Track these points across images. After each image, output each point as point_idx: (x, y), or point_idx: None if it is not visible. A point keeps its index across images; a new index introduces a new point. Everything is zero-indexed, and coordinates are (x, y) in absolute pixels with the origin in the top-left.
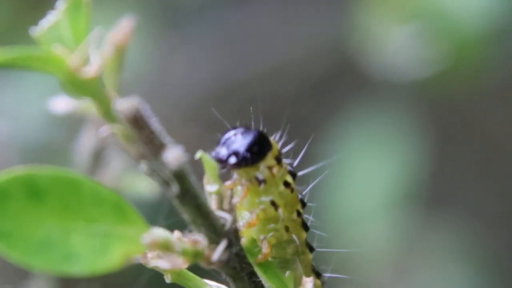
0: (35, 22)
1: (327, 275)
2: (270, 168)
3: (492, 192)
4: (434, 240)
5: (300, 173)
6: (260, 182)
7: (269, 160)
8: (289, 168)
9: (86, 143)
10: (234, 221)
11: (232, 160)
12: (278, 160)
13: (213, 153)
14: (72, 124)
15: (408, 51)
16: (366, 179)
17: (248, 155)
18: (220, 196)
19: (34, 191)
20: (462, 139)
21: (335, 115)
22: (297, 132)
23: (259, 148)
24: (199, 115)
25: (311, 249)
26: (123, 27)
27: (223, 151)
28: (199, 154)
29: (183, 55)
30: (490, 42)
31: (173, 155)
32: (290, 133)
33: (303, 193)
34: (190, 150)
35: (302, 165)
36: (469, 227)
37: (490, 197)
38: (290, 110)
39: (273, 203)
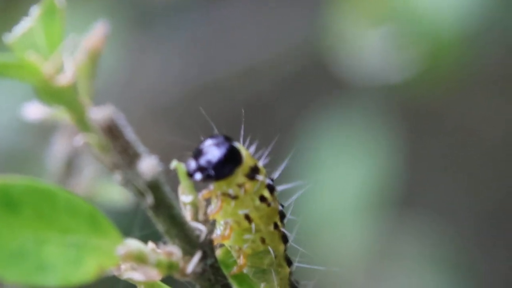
0: (6, 26)
1: None
2: (241, 184)
3: (466, 194)
4: (406, 243)
5: (279, 188)
6: (232, 197)
7: (239, 177)
8: (267, 182)
9: (58, 151)
10: (209, 232)
11: (198, 176)
12: (251, 176)
13: (185, 165)
14: (43, 131)
15: (381, 54)
16: (338, 182)
17: (213, 172)
18: (195, 207)
19: (7, 202)
20: (435, 141)
21: (308, 116)
22: (269, 134)
23: (225, 165)
24: (171, 116)
25: (290, 262)
26: (97, 32)
27: (192, 165)
28: (174, 164)
29: (155, 56)
30: (464, 44)
31: (148, 165)
32: (262, 135)
33: (285, 205)
34: (162, 155)
35: (273, 166)
36: (442, 229)
37: (464, 199)
38: (262, 110)
39: (247, 217)
